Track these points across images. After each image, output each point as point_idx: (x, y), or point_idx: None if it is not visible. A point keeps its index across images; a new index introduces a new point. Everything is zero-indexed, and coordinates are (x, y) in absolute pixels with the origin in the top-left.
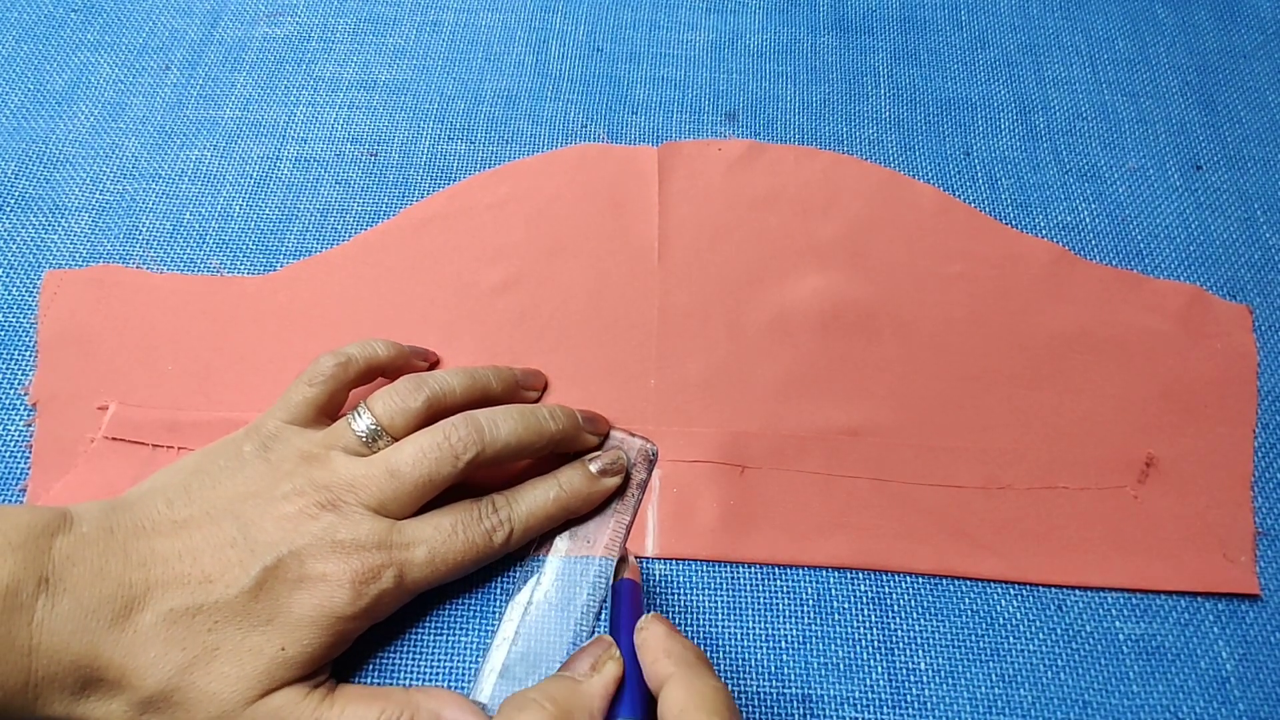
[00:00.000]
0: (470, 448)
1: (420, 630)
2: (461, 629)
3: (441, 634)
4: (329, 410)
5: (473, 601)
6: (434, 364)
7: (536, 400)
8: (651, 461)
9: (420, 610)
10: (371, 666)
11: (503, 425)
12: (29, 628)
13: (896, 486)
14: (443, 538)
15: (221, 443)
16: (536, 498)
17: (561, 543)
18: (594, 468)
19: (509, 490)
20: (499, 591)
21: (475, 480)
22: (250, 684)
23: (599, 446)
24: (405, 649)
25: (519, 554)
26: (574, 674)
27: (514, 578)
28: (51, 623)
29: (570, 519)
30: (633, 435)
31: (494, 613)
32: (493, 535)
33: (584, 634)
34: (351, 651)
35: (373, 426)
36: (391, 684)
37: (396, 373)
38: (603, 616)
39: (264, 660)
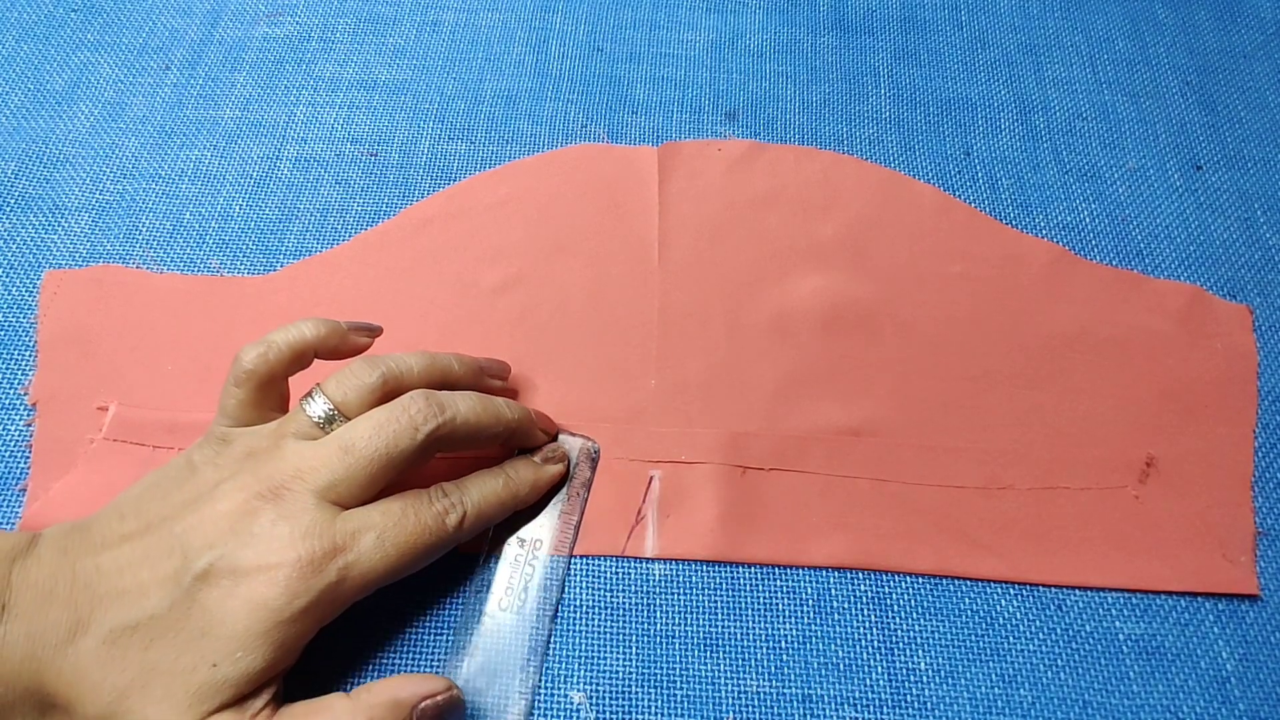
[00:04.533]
0: (430, 420)
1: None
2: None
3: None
4: (268, 405)
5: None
6: (377, 336)
7: (500, 390)
8: (594, 460)
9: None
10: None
11: (461, 404)
12: None
13: (896, 487)
14: (392, 521)
15: (177, 456)
16: (486, 483)
17: (510, 549)
18: (537, 458)
19: (457, 480)
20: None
21: (426, 474)
22: (183, 709)
23: (545, 441)
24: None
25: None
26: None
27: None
28: (4, 650)
29: (519, 509)
30: (573, 435)
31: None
32: (445, 518)
33: (541, 638)
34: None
35: (328, 409)
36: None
37: (333, 353)
38: (558, 617)
39: (196, 681)
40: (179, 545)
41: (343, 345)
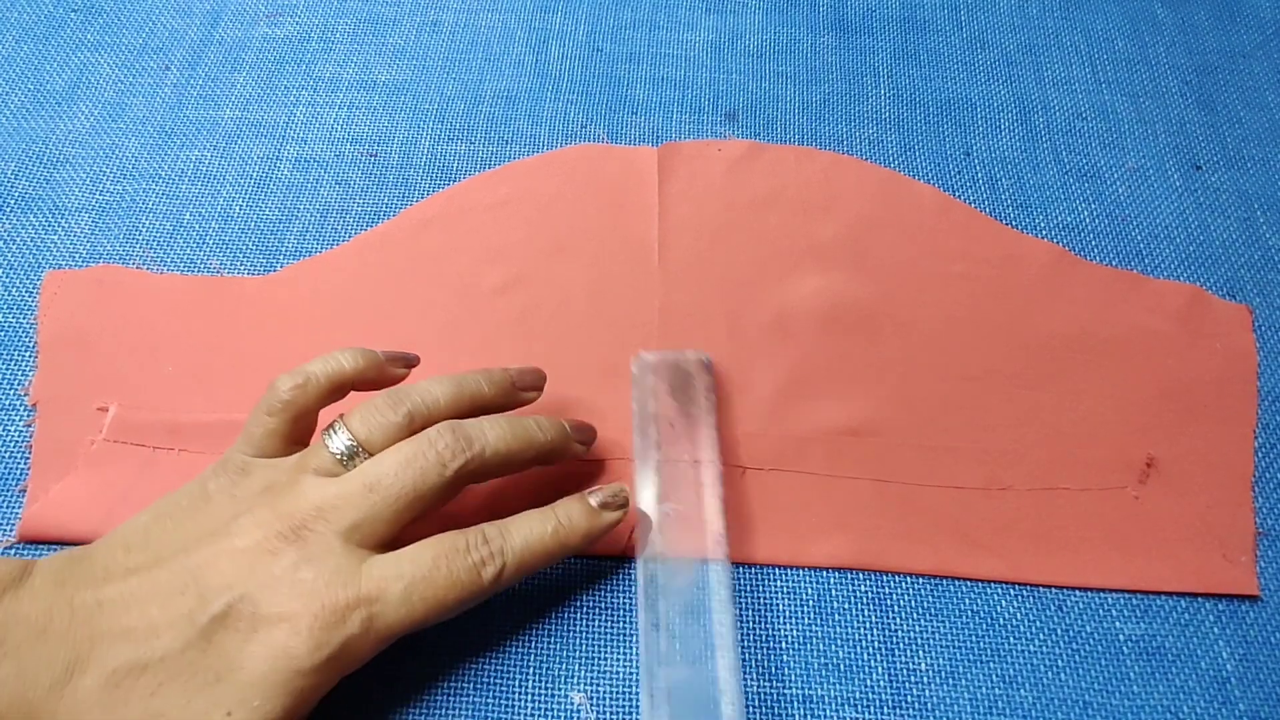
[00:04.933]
0: (458, 455)
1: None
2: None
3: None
4: (296, 437)
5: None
6: (414, 367)
7: (535, 400)
8: (708, 368)
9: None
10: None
11: (490, 433)
12: None
13: (897, 487)
14: (422, 573)
15: (190, 483)
16: (533, 529)
17: (657, 538)
18: (594, 501)
19: (501, 521)
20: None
21: (459, 511)
22: None
23: (585, 454)
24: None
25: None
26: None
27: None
28: None
29: (567, 557)
30: (683, 352)
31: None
32: (482, 570)
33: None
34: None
35: (350, 444)
36: None
37: (369, 385)
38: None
39: None
40: (193, 582)
41: (380, 378)
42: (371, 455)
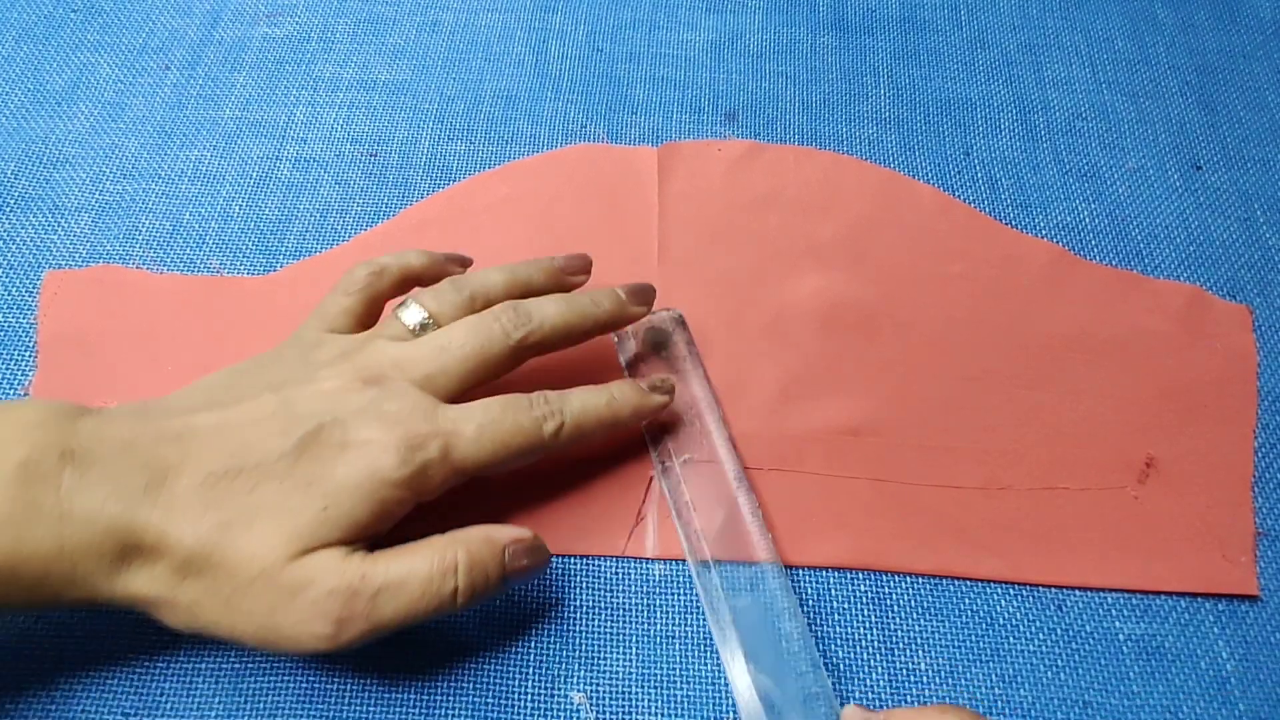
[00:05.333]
0: (520, 327)
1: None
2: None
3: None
4: (366, 320)
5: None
6: (469, 266)
7: (583, 284)
8: (683, 323)
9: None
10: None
11: (548, 308)
12: (56, 494)
13: (896, 487)
14: (491, 417)
15: (260, 354)
16: (589, 398)
17: (684, 488)
18: (645, 384)
19: (561, 391)
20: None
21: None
22: (290, 542)
23: (647, 314)
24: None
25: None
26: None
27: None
28: (81, 490)
29: (618, 431)
30: (655, 312)
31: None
32: (543, 424)
33: (739, 473)
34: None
35: (424, 317)
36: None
37: (433, 280)
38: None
39: (305, 518)
40: (284, 409)
41: (441, 275)
42: (440, 328)
